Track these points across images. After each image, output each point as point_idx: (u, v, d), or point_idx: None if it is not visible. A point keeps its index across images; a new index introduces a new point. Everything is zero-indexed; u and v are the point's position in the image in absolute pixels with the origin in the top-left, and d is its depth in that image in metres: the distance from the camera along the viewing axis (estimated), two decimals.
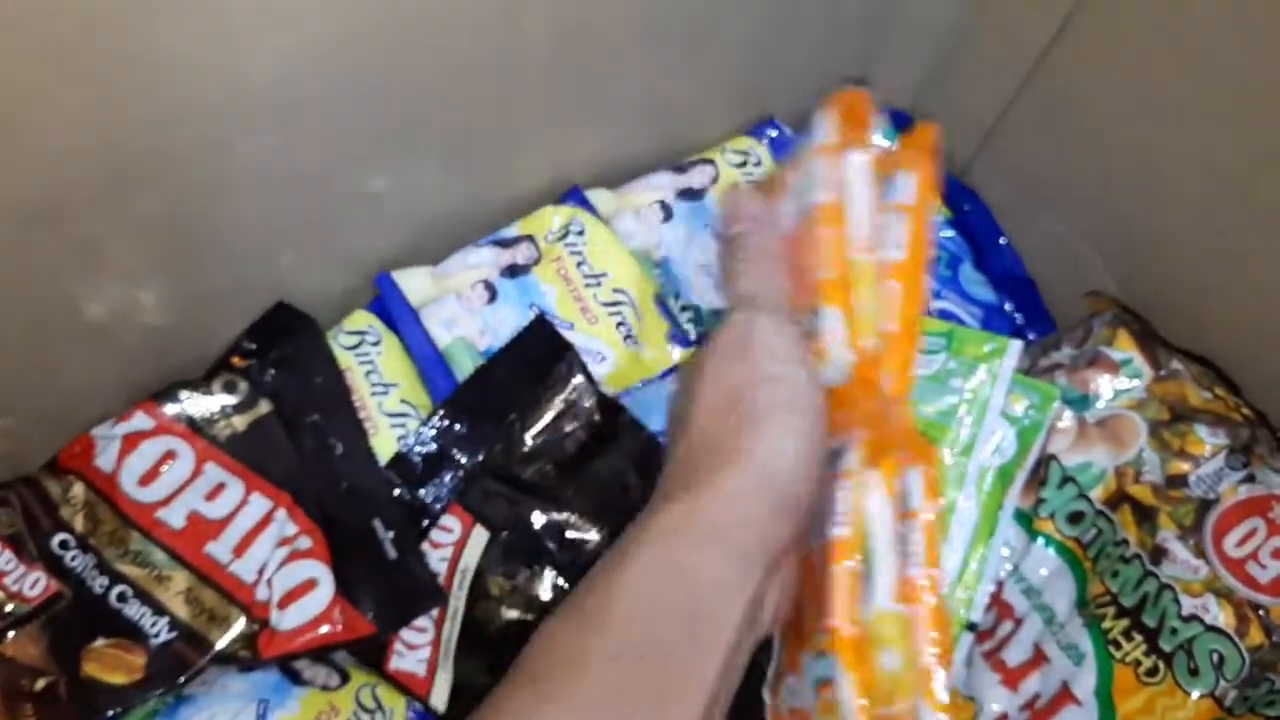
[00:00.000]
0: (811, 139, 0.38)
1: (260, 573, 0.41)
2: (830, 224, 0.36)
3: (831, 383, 0.35)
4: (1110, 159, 0.48)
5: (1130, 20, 0.44)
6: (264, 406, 0.44)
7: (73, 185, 0.34)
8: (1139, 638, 0.41)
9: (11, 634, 0.40)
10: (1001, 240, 0.56)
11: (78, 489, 0.42)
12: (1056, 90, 0.49)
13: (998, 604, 0.44)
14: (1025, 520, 0.45)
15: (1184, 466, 0.45)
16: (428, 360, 0.47)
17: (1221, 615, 0.41)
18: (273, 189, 0.40)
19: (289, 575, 0.41)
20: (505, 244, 0.49)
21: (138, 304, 0.40)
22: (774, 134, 0.55)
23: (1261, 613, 0.41)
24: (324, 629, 0.41)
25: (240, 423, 0.44)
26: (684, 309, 0.50)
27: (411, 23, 0.36)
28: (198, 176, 0.37)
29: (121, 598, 0.41)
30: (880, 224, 0.36)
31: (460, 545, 0.43)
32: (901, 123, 0.59)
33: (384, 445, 0.45)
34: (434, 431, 0.45)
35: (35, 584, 0.40)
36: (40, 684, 0.39)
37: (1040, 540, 0.44)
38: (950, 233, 0.56)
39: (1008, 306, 0.55)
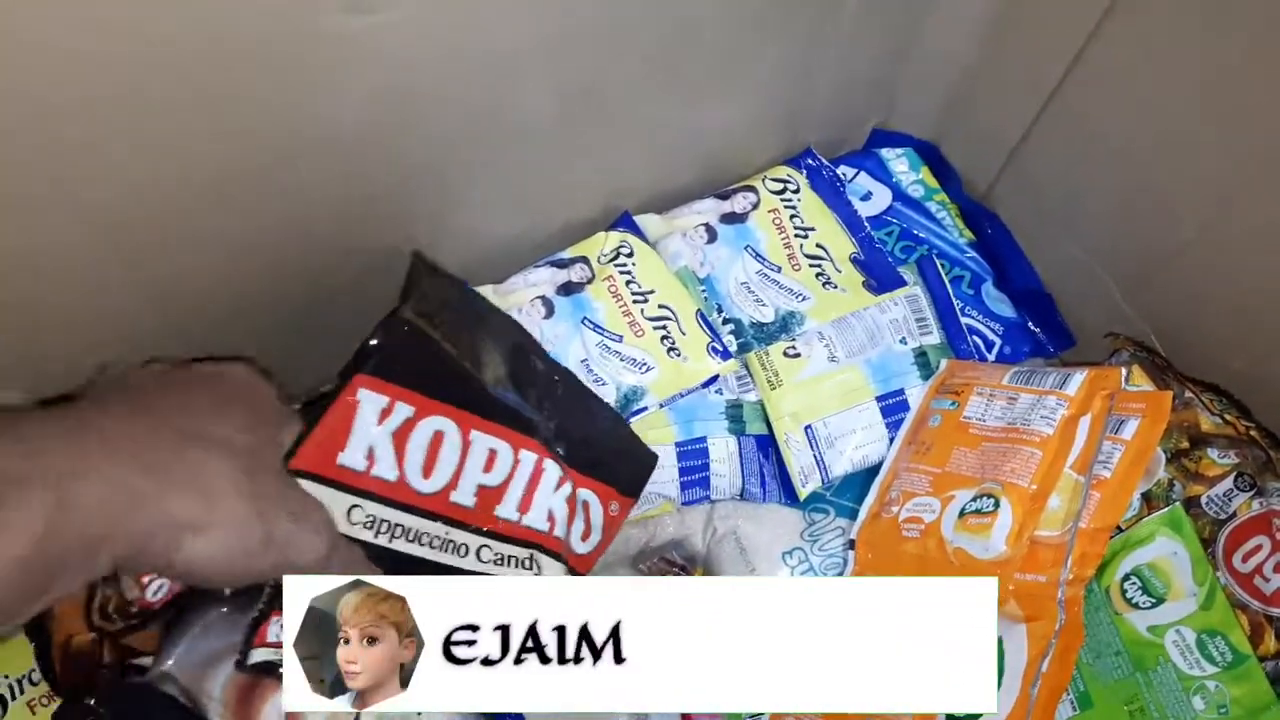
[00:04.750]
0: (1059, 381, 0.46)
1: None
2: (1046, 450, 0.44)
3: (978, 556, 0.43)
4: (1122, 184, 0.50)
5: (1140, 52, 0.45)
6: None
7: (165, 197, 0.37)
8: None
9: None
10: (1022, 260, 0.59)
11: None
12: (1071, 119, 0.51)
13: None
14: None
15: (1199, 489, 0.47)
16: None
17: None
18: (348, 212, 0.43)
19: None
20: (561, 265, 0.53)
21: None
22: (811, 163, 0.58)
23: (1276, 624, 0.43)
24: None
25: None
26: (725, 321, 0.54)
27: (481, 71, 0.40)
28: (276, 206, 0.40)
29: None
30: (1099, 448, 0.44)
31: None
32: (926, 151, 0.61)
33: None
34: None
35: None
36: None
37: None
38: (973, 254, 0.59)
39: (1030, 323, 0.58)
